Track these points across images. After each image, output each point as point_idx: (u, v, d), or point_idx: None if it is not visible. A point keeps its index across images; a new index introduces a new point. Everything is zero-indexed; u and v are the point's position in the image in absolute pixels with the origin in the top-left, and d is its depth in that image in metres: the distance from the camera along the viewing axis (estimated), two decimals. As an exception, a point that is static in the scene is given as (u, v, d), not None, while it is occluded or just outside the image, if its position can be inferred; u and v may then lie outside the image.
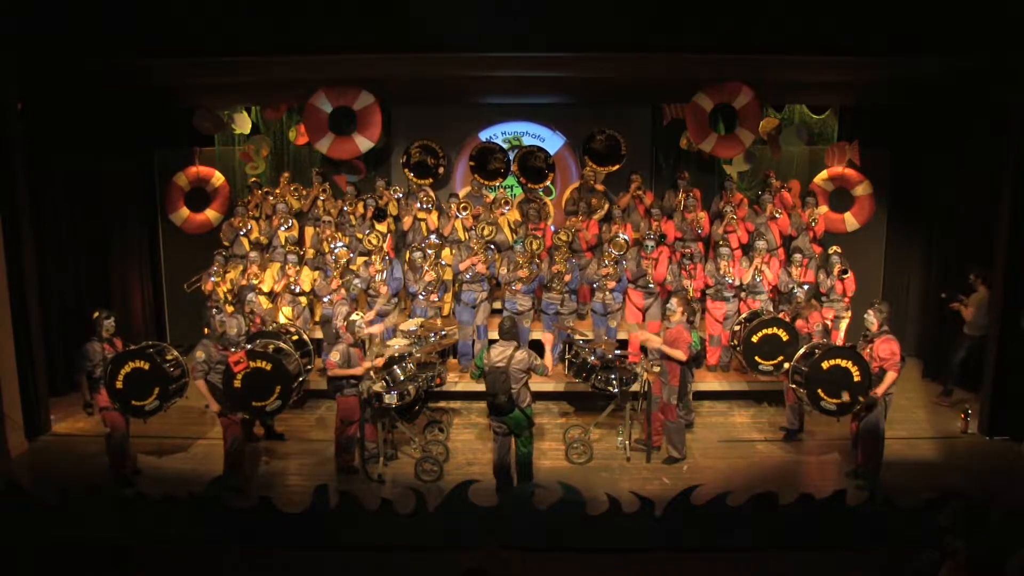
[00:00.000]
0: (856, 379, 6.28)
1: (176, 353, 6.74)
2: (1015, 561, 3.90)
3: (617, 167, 9.55)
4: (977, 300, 7.98)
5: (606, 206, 9.40)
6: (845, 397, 6.39)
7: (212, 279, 8.34)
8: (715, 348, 8.50)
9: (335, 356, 6.48)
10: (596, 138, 9.47)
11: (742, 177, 10.07)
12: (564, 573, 5.33)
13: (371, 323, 7.42)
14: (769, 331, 7.32)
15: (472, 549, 5.44)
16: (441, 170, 9.63)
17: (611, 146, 9.47)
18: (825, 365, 6.33)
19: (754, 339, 7.35)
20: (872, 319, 6.44)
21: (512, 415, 6.06)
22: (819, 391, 6.39)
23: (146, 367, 6.31)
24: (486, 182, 9.48)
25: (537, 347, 7.08)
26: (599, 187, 9.48)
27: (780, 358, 7.33)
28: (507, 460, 6.29)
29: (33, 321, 7.56)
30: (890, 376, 6.27)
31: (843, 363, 6.30)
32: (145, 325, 10.10)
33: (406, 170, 9.49)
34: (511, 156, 9.62)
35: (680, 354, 6.72)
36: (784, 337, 7.29)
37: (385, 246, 8.57)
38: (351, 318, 6.66)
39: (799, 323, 7.39)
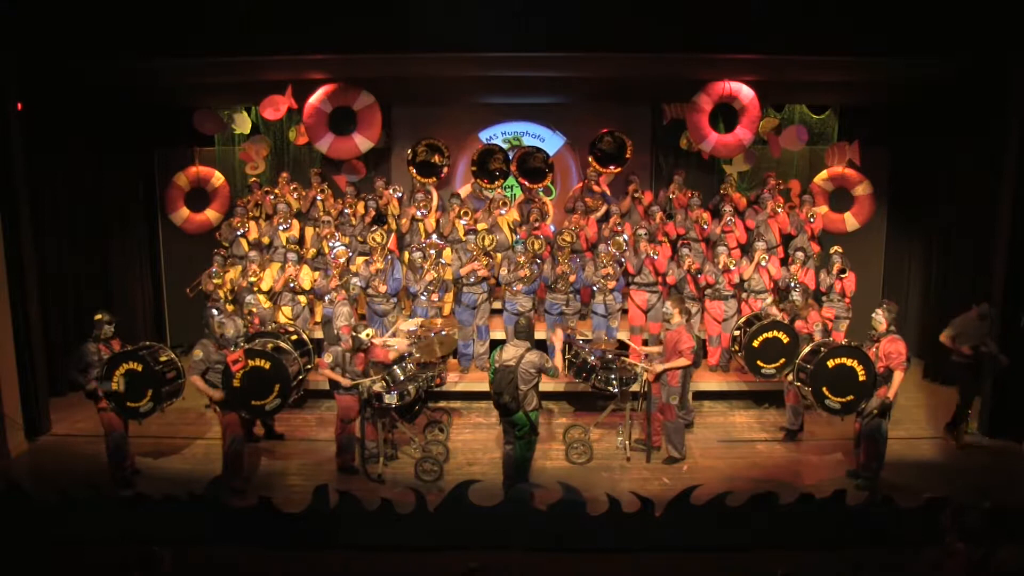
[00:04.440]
0: (861, 379, 6.28)
1: (171, 354, 6.72)
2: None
3: (619, 169, 9.55)
4: None
5: (603, 207, 9.39)
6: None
7: (213, 279, 8.34)
8: (715, 348, 8.50)
9: (328, 357, 6.52)
10: (604, 139, 9.46)
11: (742, 177, 10.07)
12: (564, 573, 5.33)
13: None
14: (769, 335, 7.31)
15: (473, 551, 5.44)
16: (446, 170, 9.63)
17: (618, 147, 9.48)
18: (831, 363, 6.32)
19: (755, 344, 7.34)
20: (881, 319, 6.43)
21: (516, 416, 6.05)
22: (824, 389, 6.39)
23: (139, 368, 6.31)
24: (488, 184, 9.48)
25: (541, 348, 7.06)
26: (597, 188, 9.47)
27: (782, 360, 7.33)
28: (513, 456, 6.29)
29: (33, 321, 7.56)
30: (898, 376, 6.25)
31: (848, 362, 6.30)
32: (145, 325, 10.10)
33: (411, 168, 9.49)
34: (510, 156, 9.61)
35: (684, 361, 6.72)
36: (785, 340, 7.28)
37: (389, 244, 8.57)
38: (361, 335, 6.65)
39: (798, 324, 7.39)
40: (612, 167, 9.48)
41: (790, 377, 7.24)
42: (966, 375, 7.31)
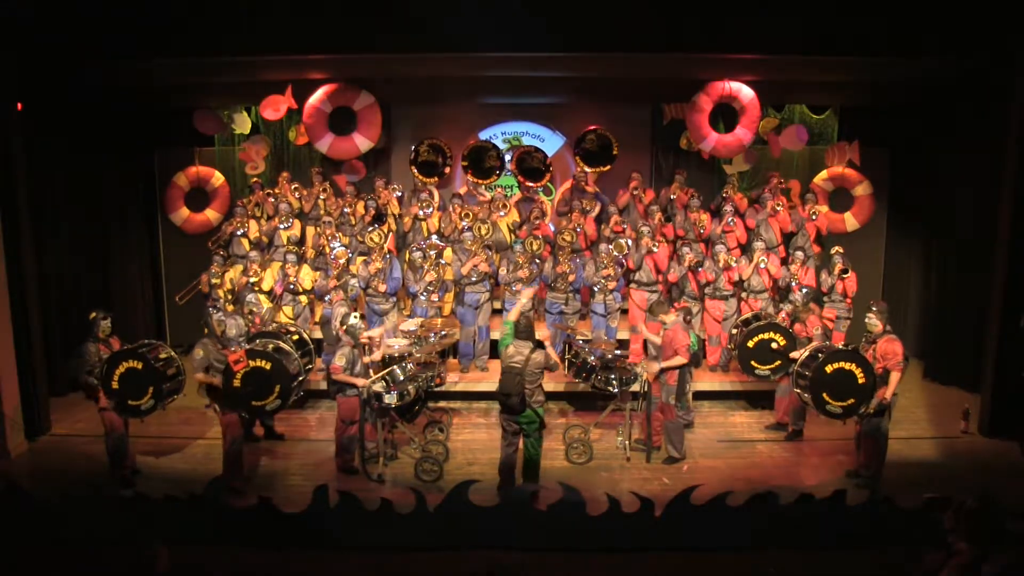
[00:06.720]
0: (860, 382, 6.23)
1: (170, 351, 6.72)
2: (990, 565, 3.86)
3: (607, 168, 9.54)
4: None
5: (597, 207, 9.39)
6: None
7: (212, 279, 8.33)
8: (714, 348, 8.50)
9: (340, 360, 6.45)
10: (587, 137, 9.46)
11: (742, 177, 10.07)
12: (564, 573, 5.33)
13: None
14: (765, 336, 7.29)
15: (473, 550, 5.44)
16: (448, 170, 9.64)
17: (602, 146, 9.47)
18: (829, 369, 6.28)
19: (750, 344, 7.32)
20: (876, 320, 6.41)
21: (524, 414, 6.08)
22: (824, 395, 6.35)
23: (139, 367, 6.30)
24: (480, 181, 9.48)
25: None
26: (589, 188, 9.48)
27: (777, 363, 7.31)
28: (514, 459, 6.31)
29: (33, 321, 7.55)
30: (895, 377, 6.23)
31: (847, 366, 6.24)
32: (145, 325, 10.09)
33: (412, 168, 9.49)
34: (508, 156, 9.63)
35: (680, 360, 6.73)
36: (781, 341, 7.26)
37: (387, 244, 8.57)
38: (350, 321, 6.62)
39: (797, 327, 7.37)
40: (600, 166, 9.48)
41: (785, 380, 7.24)
42: None
